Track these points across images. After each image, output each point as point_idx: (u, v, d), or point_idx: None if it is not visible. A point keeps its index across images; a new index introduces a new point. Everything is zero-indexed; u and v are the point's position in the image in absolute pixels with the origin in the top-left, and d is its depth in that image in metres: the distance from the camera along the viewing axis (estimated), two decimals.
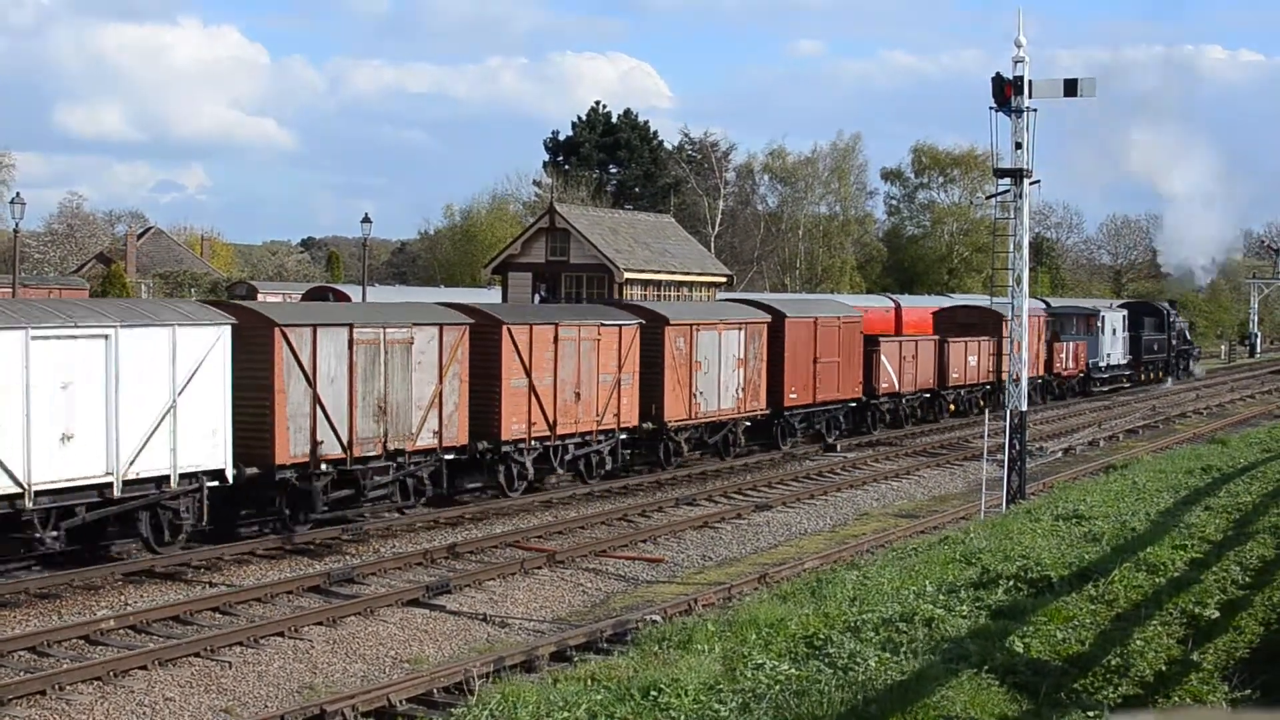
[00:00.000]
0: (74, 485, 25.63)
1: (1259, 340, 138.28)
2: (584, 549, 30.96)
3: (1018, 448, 36.05)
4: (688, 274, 52.96)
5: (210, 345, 27.98)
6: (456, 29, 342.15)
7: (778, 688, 15.53)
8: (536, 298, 49.92)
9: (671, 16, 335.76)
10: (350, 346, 30.89)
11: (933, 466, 47.16)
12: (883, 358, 52.55)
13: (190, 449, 27.44)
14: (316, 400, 30.02)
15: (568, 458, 37.90)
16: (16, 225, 47.25)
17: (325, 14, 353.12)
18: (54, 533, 25.49)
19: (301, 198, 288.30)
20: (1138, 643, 17.53)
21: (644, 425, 40.33)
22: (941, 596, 19.88)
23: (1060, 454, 50.94)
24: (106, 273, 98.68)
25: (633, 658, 17.63)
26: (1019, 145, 35.26)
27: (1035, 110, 35.17)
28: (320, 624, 24.20)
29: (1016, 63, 35.02)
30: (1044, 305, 74.91)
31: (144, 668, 21.21)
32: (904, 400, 55.21)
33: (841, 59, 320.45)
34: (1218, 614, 19.67)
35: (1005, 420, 35.99)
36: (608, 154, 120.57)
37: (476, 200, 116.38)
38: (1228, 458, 39.89)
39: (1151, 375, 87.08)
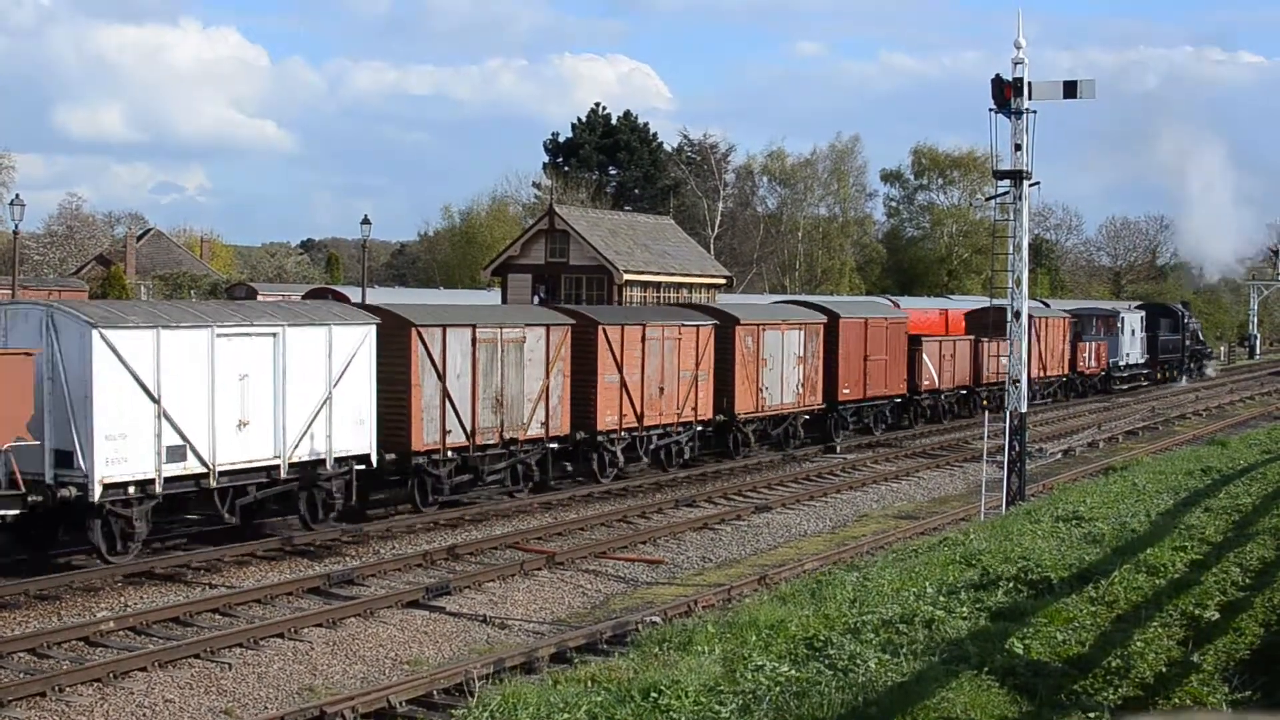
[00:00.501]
0: (249, 467, 29.33)
1: (1258, 342, 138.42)
2: (584, 550, 30.99)
3: (1017, 449, 36.06)
4: (687, 275, 52.95)
5: (359, 343, 31.71)
6: (457, 30, 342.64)
7: (778, 689, 15.52)
8: (535, 299, 49.90)
9: (672, 18, 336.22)
10: (474, 345, 34.76)
11: (932, 468, 47.20)
12: (925, 356, 56.28)
13: (342, 436, 31.25)
14: (445, 394, 33.93)
15: (651, 447, 41.49)
16: (16, 227, 47.28)
17: (325, 15, 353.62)
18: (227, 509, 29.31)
19: (301, 199, 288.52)
20: (1138, 644, 17.52)
21: (717, 418, 43.89)
22: (941, 598, 19.87)
23: (1060, 455, 50.99)
24: (106, 274, 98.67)
25: (633, 659, 17.62)
26: (1019, 147, 35.27)
27: (1035, 112, 35.18)
28: (320, 625, 24.21)
29: (1016, 64, 35.03)
30: (1067, 308, 78.90)
31: (144, 669, 21.23)
32: (943, 396, 58.95)
33: (842, 60, 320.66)
34: (1218, 615, 19.65)
35: (1005, 422, 36.00)
36: (607, 155, 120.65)
37: (476, 202, 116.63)
38: (1227, 459, 39.85)
39: (1167, 374, 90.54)
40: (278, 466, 29.81)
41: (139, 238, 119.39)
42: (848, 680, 15.79)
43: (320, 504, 31.30)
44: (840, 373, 49.65)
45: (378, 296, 69.09)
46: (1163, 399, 77.26)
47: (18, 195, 47.21)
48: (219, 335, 28.38)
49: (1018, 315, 35.98)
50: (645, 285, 49.99)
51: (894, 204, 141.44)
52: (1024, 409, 36.36)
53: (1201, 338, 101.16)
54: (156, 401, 27.20)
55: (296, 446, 30.12)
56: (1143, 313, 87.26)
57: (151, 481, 27.18)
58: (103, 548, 26.86)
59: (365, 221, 65.40)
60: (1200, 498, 30.85)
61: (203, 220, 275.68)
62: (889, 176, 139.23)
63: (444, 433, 33.88)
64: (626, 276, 48.77)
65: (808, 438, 49.46)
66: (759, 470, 44.51)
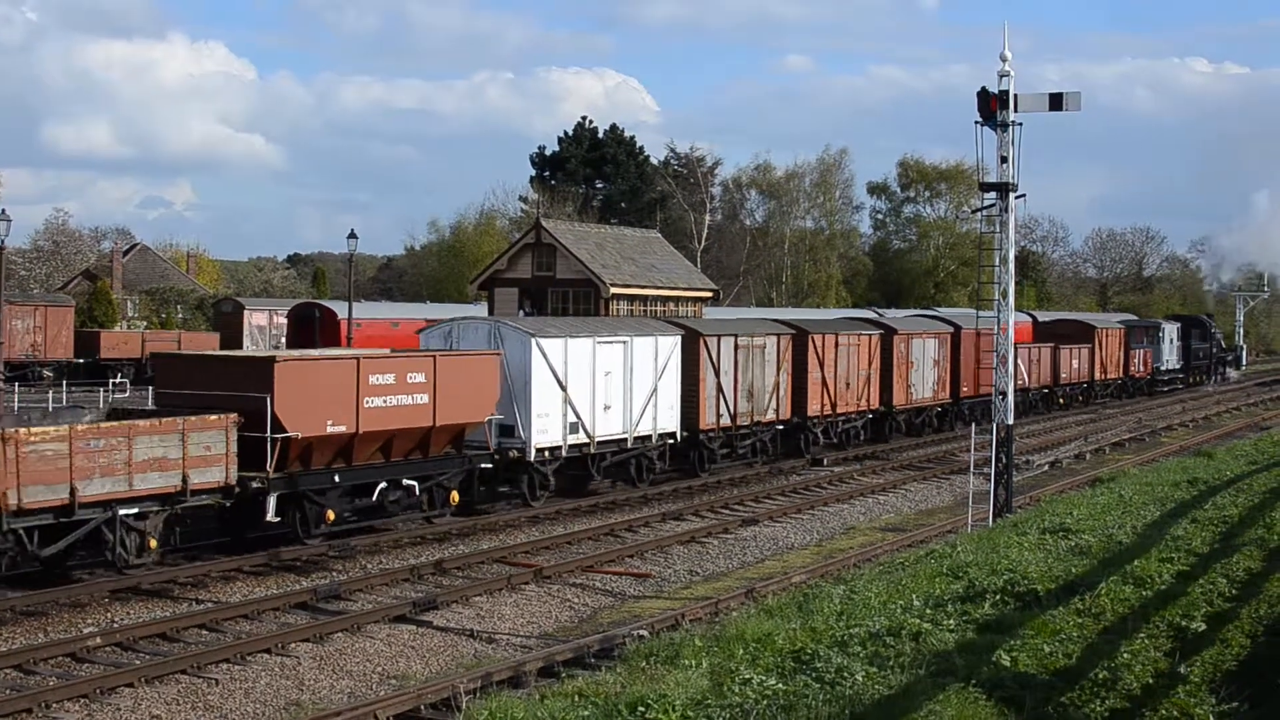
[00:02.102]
0: (610, 439, 40.24)
1: (1244, 354, 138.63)
2: (571, 564, 30.96)
3: (1004, 461, 36.07)
4: (674, 289, 52.97)
5: (672, 349, 42.69)
6: (445, 45, 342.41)
7: (765, 703, 15.53)
8: (521, 313, 49.88)
9: (660, 32, 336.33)
10: (735, 350, 45.47)
11: (919, 480, 47.22)
12: (1020, 361, 62.27)
13: (662, 418, 42.16)
14: (719, 387, 44.63)
15: (838, 430, 51.92)
16: (2, 242, 47.23)
17: (313, 30, 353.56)
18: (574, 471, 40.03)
19: (288, 214, 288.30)
20: (1125, 656, 17.54)
21: (880, 409, 54.64)
22: (928, 610, 19.89)
23: (1047, 467, 50.99)
24: (93, 289, 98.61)
25: (620, 673, 17.61)
26: (1004, 159, 35.31)
27: (1020, 124, 35.24)
28: (307, 641, 24.17)
29: (1002, 77, 35.09)
30: (1120, 319, 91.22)
31: (131, 685, 21.18)
32: (1030, 394, 69.26)
33: (830, 74, 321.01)
34: (1205, 627, 19.70)
35: (992, 434, 36.02)
36: (594, 169, 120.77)
37: (463, 216, 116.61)
38: (1214, 470, 39.92)
39: (1198, 378, 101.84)
40: (625, 439, 40.87)
41: (125, 253, 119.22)
42: (835, 693, 15.80)
43: (644, 468, 41.94)
44: (961, 374, 61.23)
45: (364, 311, 69.07)
46: (1149, 410, 77.45)
47: (4, 210, 47.02)
48: (598, 343, 39.33)
49: (1005, 328, 36.06)
50: (632, 299, 50.00)
51: (880, 216, 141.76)
52: (1010, 421, 36.37)
53: (1224, 345, 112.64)
54: (564, 390, 38.05)
55: (637, 425, 41.07)
56: (1178, 324, 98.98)
57: (560, 447, 38.19)
58: (528, 495, 37.57)
59: (352, 236, 65.15)
60: (1187, 509, 30.90)
61: (189, 235, 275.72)
62: (876, 189, 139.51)
63: (718, 416, 44.67)
64: (613, 290, 48.78)
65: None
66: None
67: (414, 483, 33.22)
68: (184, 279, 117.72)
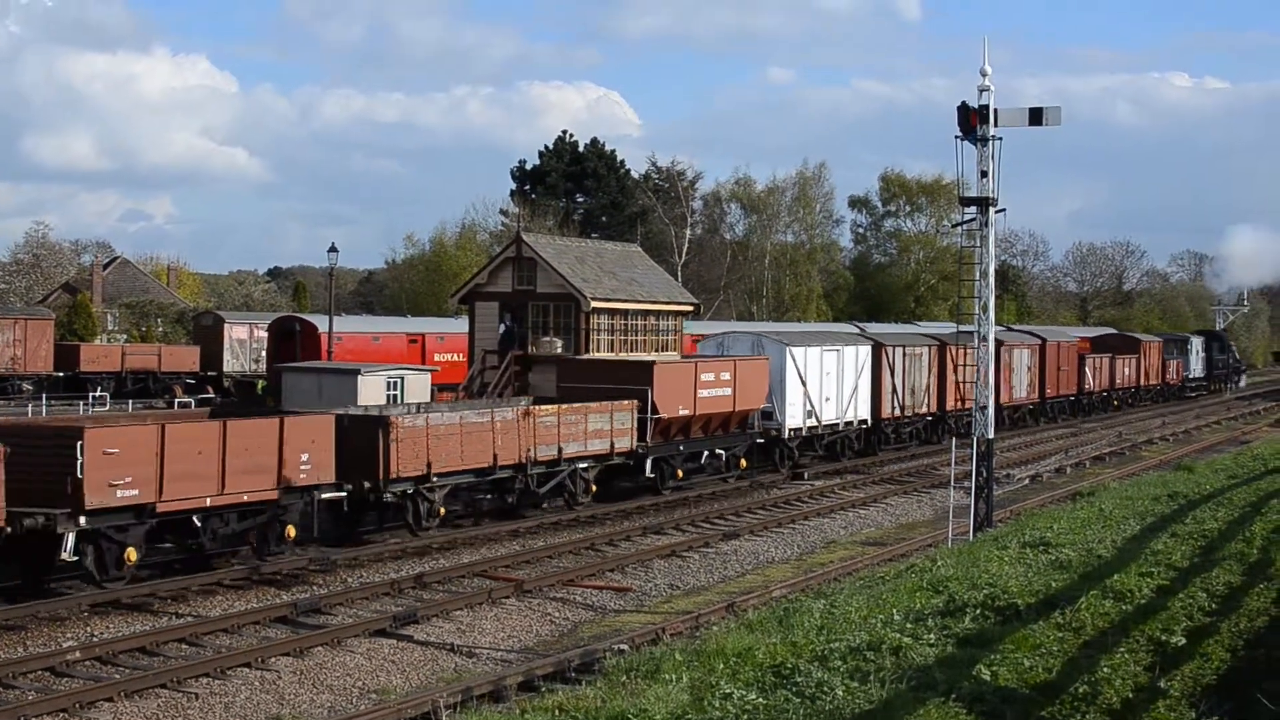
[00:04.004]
0: (828, 424, 52.68)
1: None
2: (552, 578, 30.95)
3: (985, 475, 36.12)
4: (654, 302, 52.91)
5: (867, 355, 55.83)
6: (427, 58, 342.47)
7: (745, 717, 15.52)
8: (502, 327, 49.81)
9: (642, 46, 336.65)
10: (904, 357, 58.71)
11: (900, 494, 47.31)
12: (1087, 368, 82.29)
13: (857, 409, 54.39)
14: (894, 386, 57.59)
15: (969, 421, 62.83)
16: None
17: (295, 43, 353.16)
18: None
19: (269, 227, 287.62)
20: (1105, 670, 17.56)
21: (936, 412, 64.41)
22: (909, 625, 19.88)
23: (1027, 481, 51.09)
24: (73, 303, 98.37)
25: (600, 688, 17.57)
26: (985, 174, 35.39)
27: (1001, 139, 35.32)
28: (287, 655, 24.13)
29: (982, 91, 35.17)
30: (1159, 336, 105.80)
31: (110, 699, 21.13)
32: (1092, 396, 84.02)
33: (812, 87, 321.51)
34: (1185, 641, 19.72)
35: (972, 448, 36.07)
36: (574, 183, 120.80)
37: (444, 230, 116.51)
38: (1194, 484, 39.99)
39: (1218, 385, 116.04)
40: (837, 424, 53.36)
41: (105, 266, 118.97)
42: (815, 708, 15.79)
43: (846, 447, 55.06)
44: (1046, 377, 75.00)
45: (345, 324, 68.94)
46: (1129, 423, 77.64)
47: None
48: (824, 351, 51.56)
49: (985, 341, 36.12)
50: (613, 313, 49.92)
51: (861, 230, 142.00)
52: (991, 435, 36.43)
53: (1238, 357, 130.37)
54: (804, 385, 49.84)
55: (844, 414, 53.50)
56: (1202, 338, 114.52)
57: (801, 429, 50.62)
58: (782, 467, 50.58)
59: (332, 249, 65.04)
60: (1167, 523, 30.94)
61: (170, 248, 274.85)
62: (857, 203, 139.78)
63: (893, 408, 57.78)
64: (594, 304, 48.70)
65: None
66: (725, 498, 44.65)
67: (722, 451, 46.07)
68: (164, 292, 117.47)
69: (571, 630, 27.63)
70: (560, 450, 38.37)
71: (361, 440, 32.57)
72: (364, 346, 66.21)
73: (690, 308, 56.46)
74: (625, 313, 50.50)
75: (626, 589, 30.97)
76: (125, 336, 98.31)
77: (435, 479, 34.24)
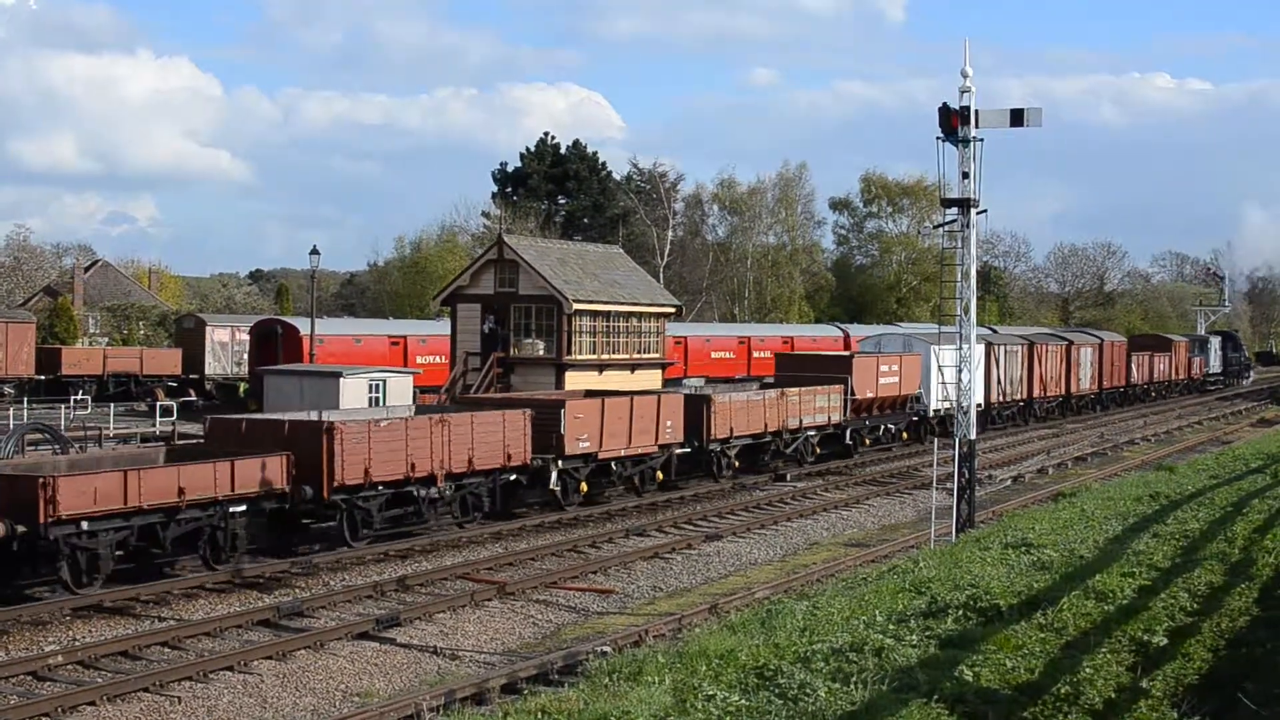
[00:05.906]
0: (936, 408, 59.58)
1: None
2: (534, 580, 30.93)
3: (967, 476, 36.16)
4: (636, 304, 52.99)
5: (983, 351, 62.32)
6: (409, 61, 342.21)
7: (728, 719, 15.53)
8: (485, 329, 49.84)
9: (624, 47, 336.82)
10: (1004, 352, 70.62)
11: (883, 495, 47.34)
12: (1133, 364, 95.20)
13: (977, 394, 48.83)
14: (998, 378, 69.54)
15: (1046, 407, 79.77)
16: None
17: (278, 46, 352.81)
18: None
19: (251, 229, 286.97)
20: (1087, 670, 17.59)
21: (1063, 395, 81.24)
22: (891, 626, 19.91)
23: (1010, 481, 51.17)
24: (54, 306, 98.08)
25: (583, 690, 17.57)
26: (966, 175, 35.44)
27: (982, 140, 35.40)
28: (270, 658, 24.09)
29: (963, 93, 35.23)
30: (1188, 336, 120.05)
31: (92, 703, 21.09)
32: (1137, 389, 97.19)
33: (794, 88, 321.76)
34: (1167, 641, 19.76)
35: (955, 449, 36.11)
36: (556, 185, 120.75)
37: (426, 232, 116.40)
38: (1175, 484, 40.06)
39: (1232, 380, 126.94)
40: (939, 411, 59.52)
41: (87, 269, 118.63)
42: (798, 709, 15.81)
43: (929, 432, 60.71)
44: (1104, 372, 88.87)
45: (327, 327, 68.85)
46: (1114, 424, 77.86)
47: None
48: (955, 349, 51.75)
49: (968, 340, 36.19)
50: (595, 315, 50.00)
51: (843, 232, 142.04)
52: (973, 436, 36.46)
53: (1248, 355, 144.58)
54: (942, 375, 47.40)
55: (942, 401, 55.28)
56: (1219, 338, 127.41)
57: (940, 410, 58.69)
58: (924, 438, 59.77)
59: (314, 252, 64.94)
60: (1149, 523, 31.00)
61: (152, 251, 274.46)
62: (838, 204, 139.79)
63: (998, 395, 69.67)
64: (576, 306, 48.78)
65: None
66: (708, 500, 44.68)
67: (891, 426, 59.96)
68: (146, 295, 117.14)
69: (554, 632, 27.62)
70: (801, 421, 51.55)
71: (692, 412, 44.92)
72: (346, 349, 66.15)
73: (672, 309, 56.54)
74: (607, 314, 50.58)
75: (609, 591, 30.97)
76: (107, 340, 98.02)
77: (735, 440, 47.85)
